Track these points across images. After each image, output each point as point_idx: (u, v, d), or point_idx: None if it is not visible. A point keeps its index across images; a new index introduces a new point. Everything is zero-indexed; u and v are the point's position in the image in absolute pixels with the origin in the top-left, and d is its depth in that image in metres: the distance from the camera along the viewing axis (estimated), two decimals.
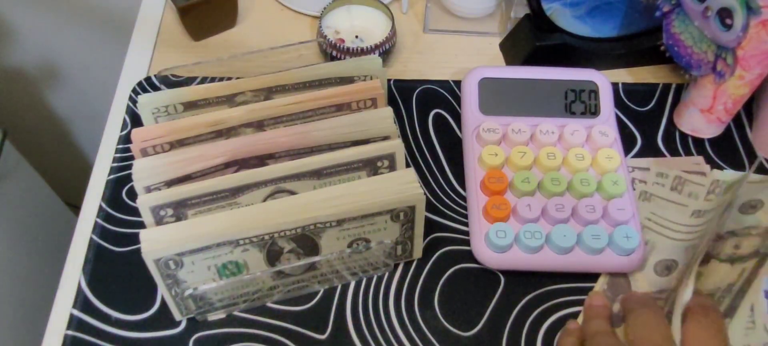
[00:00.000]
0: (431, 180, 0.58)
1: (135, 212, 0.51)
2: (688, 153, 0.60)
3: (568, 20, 0.63)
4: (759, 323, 0.41)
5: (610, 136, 0.57)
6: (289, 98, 0.51)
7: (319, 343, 0.50)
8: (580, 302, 0.52)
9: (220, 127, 0.50)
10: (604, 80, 0.60)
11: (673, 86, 0.65)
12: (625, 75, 0.66)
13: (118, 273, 0.52)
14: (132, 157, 0.49)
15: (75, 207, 0.97)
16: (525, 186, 0.54)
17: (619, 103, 0.63)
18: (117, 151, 0.59)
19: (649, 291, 0.51)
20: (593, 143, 0.57)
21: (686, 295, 0.42)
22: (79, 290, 0.52)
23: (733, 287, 0.43)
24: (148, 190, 0.47)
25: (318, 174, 0.48)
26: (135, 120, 0.60)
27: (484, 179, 0.55)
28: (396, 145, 0.49)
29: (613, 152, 0.56)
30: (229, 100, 0.53)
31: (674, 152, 0.60)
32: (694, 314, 0.41)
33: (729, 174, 0.57)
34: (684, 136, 0.61)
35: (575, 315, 0.51)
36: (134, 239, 0.47)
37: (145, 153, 0.49)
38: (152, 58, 0.66)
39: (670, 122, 0.62)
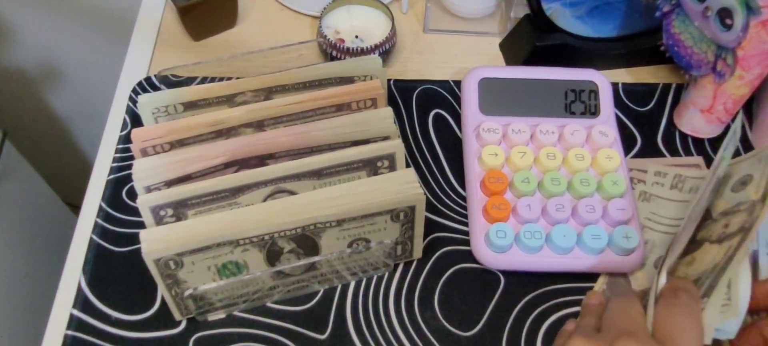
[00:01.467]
0: (431, 180, 0.58)
1: (135, 212, 0.51)
2: (688, 153, 0.60)
3: (568, 20, 0.63)
4: (735, 298, 0.40)
5: (610, 137, 0.57)
6: (289, 98, 0.51)
7: (319, 343, 0.50)
8: (580, 302, 0.51)
9: (220, 127, 0.50)
10: (604, 80, 0.60)
11: (673, 86, 0.65)
12: (625, 75, 0.66)
13: (118, 273, 0.52)
14: (132, 158, 0.49)
15: (75, 207, 0.97)
16: (525, 186, 0.54)
17: (619, 103, 0.63)
18: (117, 151, 0.59)
19: (648, 288, 0.51)
20: (593, 143, 0.57)
21: (661, 281, 0.42)
22: (79, 290, 0.52)
23: (718, 266, 0.43)
24: (148, 190, 0.47)
25: (318, 174, 0.48)
26: (135, 120, 0.60)
27: (484, 179, 0.55)
28: (396, 145, 0.49)
29: (613, 152, 0.56)
30: (229, 100, 0.53)
31: (674, 152, 0.60)
32: (664, 296, 0.41)
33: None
34: (684, 137, 0.61)
35: (575, 315, 0.51)
36: (134, 239, 0.47)
37: (145, 153, 0.49)
38: (152, 58, 0.66)
39: (670, 122, 0.62)
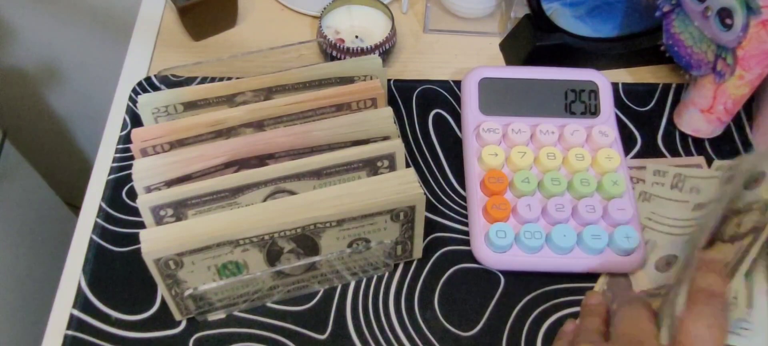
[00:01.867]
0: (431, 180, 0.58)
1: (135, 212, 0.51)
2: (689, 153, 0.60)
3: (568, 20, 0.63)
4: (742, 300, 0.39)
5: (610, 137, 0.57)
6: (289, 98, 0.51)
7: (319, 343, 0.50)
8: (579, 302, 0.51)
9: (220, 127, 0.50)
10: (604, 80, 0.60)
11: (673, 86, 0.65)
12: (625, 75, 0.66)
13: (118, 273, 0.52)
14: (132, 158, 0.49)
15: (75, 207, 0.97)
16: (525, 186, 0.54)
17: (619, 103, 0.63)
18: (117, 151, 0.59)
19: (650, 288, 0.51)
20: (593, 143, 0.57)
21: (678, 302, 0.41)
22: (79, 290, 0.52)
23: (729, 266, 0.42)
24: (148, 190, 0.47)
25: (318, 174, 0.48)
26: (135, 120, 0.60)
27: (484, 179, 0.55)
28: (396, 145, 0.49)
29: (613, 152, 0.56)
30: (229, 100, 0.53)
31: (674, 152, 0.60)
32: (692, 300, 0.38)
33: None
34: (684, 136, 0.61)
35: (575, 315, 0.51)
36: (134, 239, 0.47)
37: (145, 153, 0.49)
38: (152, 58, 0.66)
39: (670, 122, 0.62)
